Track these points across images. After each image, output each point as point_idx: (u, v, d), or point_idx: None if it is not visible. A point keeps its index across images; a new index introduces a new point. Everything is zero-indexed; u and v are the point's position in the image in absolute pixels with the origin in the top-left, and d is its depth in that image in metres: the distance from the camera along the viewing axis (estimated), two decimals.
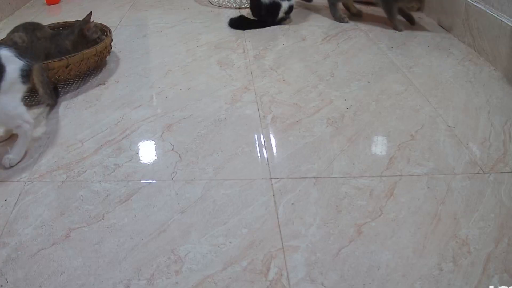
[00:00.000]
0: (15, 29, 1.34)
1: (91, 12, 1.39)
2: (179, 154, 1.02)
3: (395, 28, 1.67)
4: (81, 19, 1.40)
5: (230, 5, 1.94)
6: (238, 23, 1.75)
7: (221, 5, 1.96)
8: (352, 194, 0.89)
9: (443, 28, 1.68)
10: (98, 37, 1.41)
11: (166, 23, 1.83)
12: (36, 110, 1.21)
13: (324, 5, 1.99)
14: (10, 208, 0.87)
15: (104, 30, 1.50)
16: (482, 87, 1.28)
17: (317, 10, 1.95)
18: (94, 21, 1.38)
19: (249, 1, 1.85)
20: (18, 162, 0.99)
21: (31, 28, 1.33)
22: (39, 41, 1.31)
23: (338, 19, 1.75)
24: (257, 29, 1.72)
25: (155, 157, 1.02)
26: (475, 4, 1.46)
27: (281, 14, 1.74)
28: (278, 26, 1.75)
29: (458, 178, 0.93)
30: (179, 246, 0.78)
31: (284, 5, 1.72)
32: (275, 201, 0.88)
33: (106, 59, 1.48)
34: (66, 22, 1.54)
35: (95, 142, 1.07)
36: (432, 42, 1.57)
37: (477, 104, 1.19)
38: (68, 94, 1.29)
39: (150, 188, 0.92)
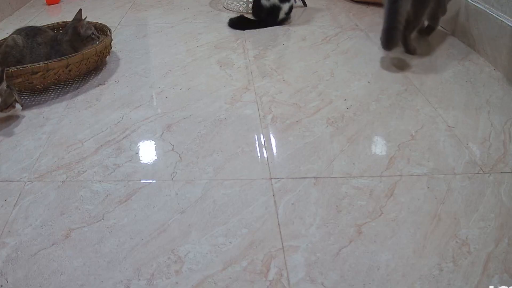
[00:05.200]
0: (17, 31, 1.34)
1: (80, 10, 1.37)
2: (179, 154, 1.02)
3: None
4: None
5: (237, 9, 1.94)
6: (238, 23, 1.75)
7: (231, 9, 1.96)
8: (352, 194, 0.89)
9: (443, 28, 1.68)
10: (93, 33, 1.37)
11: (166, 23, 1.83)
12: (36, 110, 1.21)
13: (324, 5, 2.00)
14: (10, 208, 0.87)
15: (104, 30, 1.50)
16: (482, 87, 1.28)
17: (317, 10, 1.95)
18: (86, 18, 1.36)
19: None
20: None
21: (32, 33, 1.32)
22: (39, 47, 1.31)
23: (412, 51, 1.47)
24: (257, 29, 1.72)
25: (155, 157, 1.02)
26: (475, 4, 1.46)
27: (281, 15, 1.74)
28: (278, 26, 1.75)
29: (458, 178, 0.93)
30: (179, 246, 0.78)
31: (285, 7, 1.72)
32: (275, 201, 0.88)
33: (106, 59, 1.48)
34: (66, 22, 1.54)
35: (95, 142, 1.07)
36: (432, 42, 1.57)
37: (477, 104, 1.19)
38: (68, 94, 1.29)
39: (150, 188, 0.92)
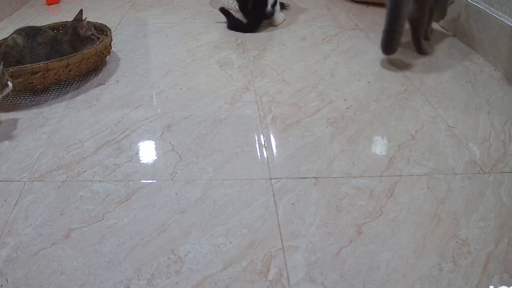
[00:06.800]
0: (17, 31, 1.34)
1: (81, 10, 1.37)
2: (179, 154, 1.02)
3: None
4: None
5: (238, 8, 1.93)
6: (234, 26, 1.74)
7: (231, 9, 1.95)
8: (352, 194, 0.89)
9: (443, 28, 1.68)
10: (93, 34, 1.37)
11: (166, 23, 1.83)
12: (36, 110, 1.21)
13: (324, 5, 2.00)
14: (10, 208, 0.87)
15: (104, 30, 1.50)
16: (482, 87, 1.28)
17: (317, 10, 1.95)
18: (86, 18, 1.37)
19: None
20: None
21: (32, 34, 1.32)
22: (39, 47, 1.31)
23: (424, 51, 1.47)
24: (257, 30, 1.71)
25: (155, 157, 1.02)
26: (475, 4, 1.46)
27: (268, 7, 1.67)
28: (278, 26, 1.75)
29: (458, 178, 0.93)
30: (179, 246, 0.78)
31: None
32: (275, 201, 0.88)
33: (106, 59, 1.48)
34: (66, 22, 1.54)
35: (95, 142, 1.07)
36: (432, 42, 1.57)
37: (477, 104, 1.19)
38: (68, 94, 1.29)
39: (150, 188, 0.92)
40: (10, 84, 1.11)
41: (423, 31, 1.45)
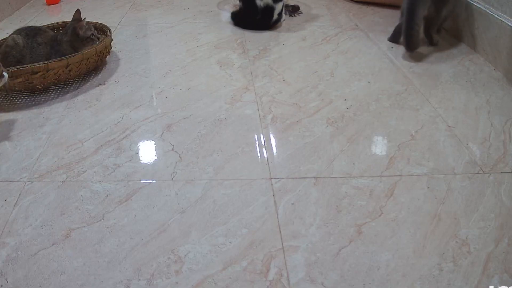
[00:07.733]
0: (17, 31, 1.34)
1: (78, 10, 1.37)
2: (179, 154, 1.02)
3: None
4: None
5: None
6: (239, 19, 1.74)
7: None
8: (352, 194, 0.89)
9: (443, 28, 1.68)
10: (92, 34, 1.37)
11: (166, 23, 1.83)
12: (36, 110, 1.21)
13: (324, 5, 2.00)
14: (10, 208, 0.87)
15: (104, 30, 1.50)
16: (482, 87, 1.28)
17: (317, 10, 1.95)
18: (86, 18, 1.37)
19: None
20: None
21: (32, 34, 1.32)
22: (39, 47, 1.31)
23: (435, 43, 1.55)
24: (257, 29, 1.71)
25: (155, 157, 1.02)
26: (475, 4, 1.47)
27: (275, 16, 1.70)
28: (278, 26, 1.75)
29: (458, 178, 0.93)
30: (179, 246, 0.78)
31: (278, 7, 1.68)
32: (275, 201, 0.88)
33: (106, 59, 1.48)
34: (66, 22, 1.54)
35: (95, 142, 1.07)
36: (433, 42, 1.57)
37: (477, 104, 1.19)
38: (68, 94, 1.29)
39: (150, 188, 0.92)
40: (5, 74, 1.10)
41: (435, 28, 1.53)
